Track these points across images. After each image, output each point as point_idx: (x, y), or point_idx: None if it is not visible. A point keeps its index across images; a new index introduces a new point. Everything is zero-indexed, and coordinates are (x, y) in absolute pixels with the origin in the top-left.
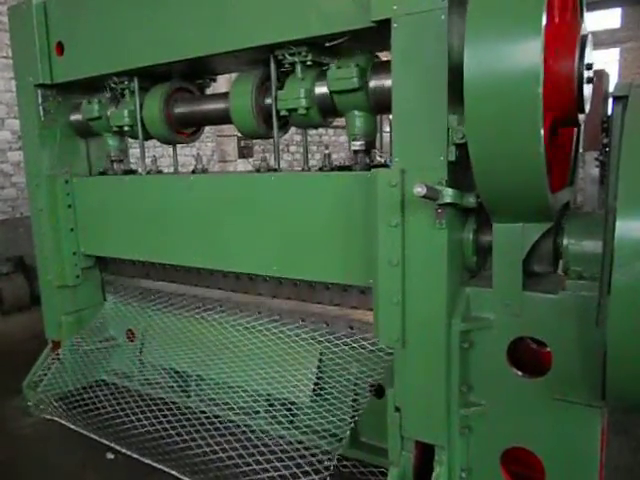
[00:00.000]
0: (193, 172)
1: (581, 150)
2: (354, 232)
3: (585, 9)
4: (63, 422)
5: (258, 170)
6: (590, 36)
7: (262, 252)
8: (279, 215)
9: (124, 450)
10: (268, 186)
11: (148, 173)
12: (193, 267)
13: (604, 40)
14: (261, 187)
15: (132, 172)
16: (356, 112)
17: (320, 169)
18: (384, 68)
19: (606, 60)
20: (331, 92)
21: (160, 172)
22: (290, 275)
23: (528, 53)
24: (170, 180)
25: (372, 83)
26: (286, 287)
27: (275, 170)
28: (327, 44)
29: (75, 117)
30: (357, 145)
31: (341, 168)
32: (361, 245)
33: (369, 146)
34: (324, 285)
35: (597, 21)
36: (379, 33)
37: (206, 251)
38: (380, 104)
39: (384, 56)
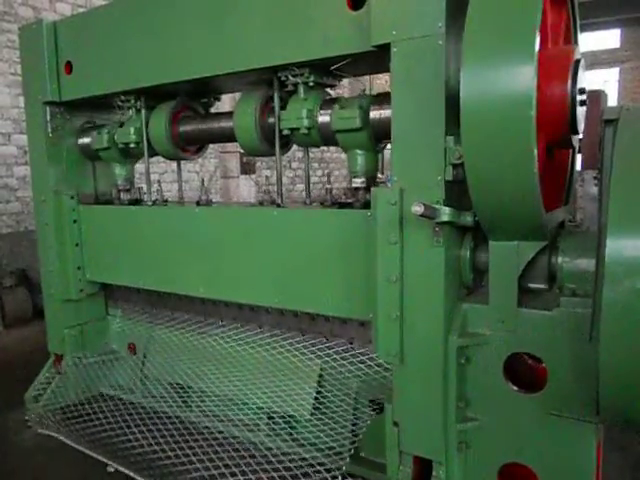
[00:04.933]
0: (197, 203)
1: (580, 169)
2: (353, 267)
3: (579, 34)
4: (62, 439)
5: (261, 203)
6: (583, 60)
7: (264, 284)
8: (281, 248)
9: (123, 469)
10: (270, 220)
11: (154, 203)
12: (196, 297)
13: (604, 60)
14: (264, 221)
15: (138, 201)
16: (357, 151)
17: (321, 204)
18: (384, 100)
19: (606, 79)
20: (334, 131)
21: (166, 201)
22: (291, 307)
23: (522, 78)
24: (175, 211)
25: (372, 114)
26: (287, 318)
27: (278, 205)
28: (331, 68)
29: (83, 141)
30: (358, 182)
31: (342, 205)
32: (360, 279)
33: (369, 183)
34: (324, 317)
35: (597, 41)
36: (379, 56)
37: (209, 281)
38: (381, 135)
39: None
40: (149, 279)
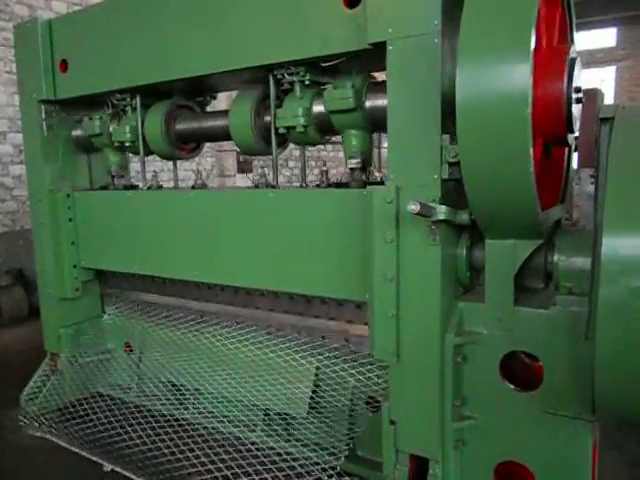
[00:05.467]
0: (193, 187)
1: (577, 167)
2: (350, 247)
3: (575, 32)
4: (57, 441)
5: (257, 186)
6: (579, 58)
7: (260, 266)
8: (277, 230)
9: (119, 469)
10: (266, 202)
11: (149, 188)
12: (192, 281)
13: (600, 58)
14: (259, 203)
15: (133, 187)
16: (352, 131)
17: (317, 185)
18: (380, 88)
19: (602, 78)
20: (328, 112)
21: (160, 187)
22: (287, 289)
23: (517, 76)
24: (170, 195)
25: (368, 103)
26: (283, 301)
27: (273, 187)
28: (323, 64)
29: (77, 133)
30: (353, 163)
31: (338, 185)
32: (357, 260)
33: (365, 164)
34: (320, 299)
35: (594, 40)
36: (375, 54)
37: (205, 265)
38: (376, 123)
39: (379, 76)
40: (144, 264)
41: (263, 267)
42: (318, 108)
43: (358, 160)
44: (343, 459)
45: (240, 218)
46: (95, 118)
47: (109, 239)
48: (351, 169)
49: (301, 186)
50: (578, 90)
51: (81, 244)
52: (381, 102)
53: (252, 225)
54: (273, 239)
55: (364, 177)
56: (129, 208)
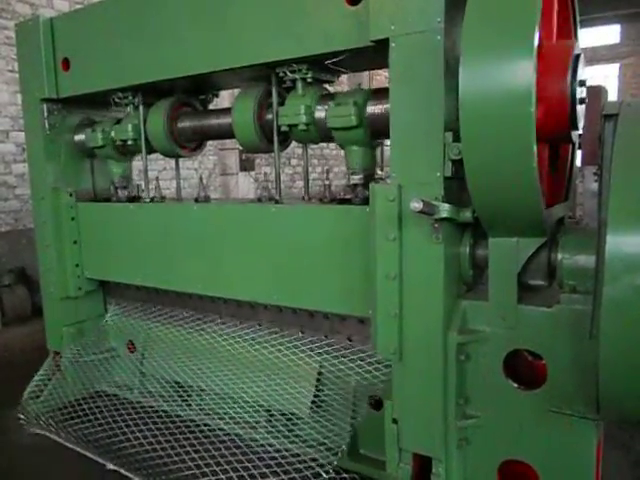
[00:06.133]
0: (196, 200)
1: (580, 165)
2: (352, 263)
3: (579, 28)
4: (58, 439)
5: (260, 200)
6: (582, 55)
7: (262, 280)
8: (279, 245)
9: (123, 470)
10: (269, 217)
11: (152, 200)
12: (195, 294)
13: (604, 56)
14: (262, 217)
15: (136, 198)
16: (354, 147)
17: (320, 200)
18: (381, 95)
19: (606, 75)
20: (330, 129)
21: (163, 198)
22: (290, 304)
23: (521, 73)
24: (173, 208)
25: (369, 110)
26: (286, 315)
27: (277, 201)
28: (327, 62)
29: (79, 138)
30: (356, 179)
31: (341, 201)
32: (358, 276)
33: (367, 179)
34: (323, 314)
35: (597, 37)
36: (378, 52)
37: (208, 278)
38: (377, 131)
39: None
40: (147, 276)
41: (265, 281)
42: (319, 114)
43: (360, 176)
44: (342, 456)
45: (243, 232)
46: (97, 130)
47: (112, 251)
48: (353, 185)
49: (303, 198)
50: (582, 84)
51: (84, 255)
52: (383, 109)
53: (255, 239)
54: (275, 253)
55: (366, 193)
56: (132, 220)
